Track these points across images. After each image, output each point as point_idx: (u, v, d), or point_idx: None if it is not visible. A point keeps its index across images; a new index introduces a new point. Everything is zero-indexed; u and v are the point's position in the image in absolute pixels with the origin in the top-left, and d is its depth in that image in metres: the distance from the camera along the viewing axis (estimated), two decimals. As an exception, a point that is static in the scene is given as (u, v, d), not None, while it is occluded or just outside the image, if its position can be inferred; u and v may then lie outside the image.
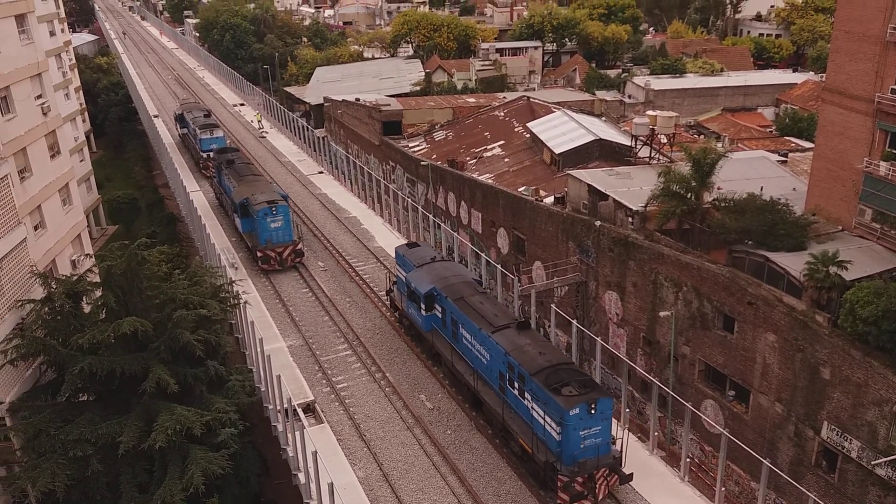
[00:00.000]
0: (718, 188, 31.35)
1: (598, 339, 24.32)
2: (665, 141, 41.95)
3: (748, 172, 35.66)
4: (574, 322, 28.61)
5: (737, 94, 66.04)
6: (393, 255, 31.59)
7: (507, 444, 22.26)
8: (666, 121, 40.46)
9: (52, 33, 59.94)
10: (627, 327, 33.45)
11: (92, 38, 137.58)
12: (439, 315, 25.86)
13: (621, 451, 20.44)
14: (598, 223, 33.88)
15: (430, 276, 26.43)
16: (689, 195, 30.59)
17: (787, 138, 53.21)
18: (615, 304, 33.82)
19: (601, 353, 24.52)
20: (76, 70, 78.80)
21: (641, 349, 32.79)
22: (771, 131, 57.20)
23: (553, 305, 27.45)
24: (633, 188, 34.75)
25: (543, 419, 19.88)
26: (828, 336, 23.91)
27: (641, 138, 41.45)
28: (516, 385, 21.12)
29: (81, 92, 79.54)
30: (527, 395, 20.60)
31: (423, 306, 26.23)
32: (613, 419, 20.44)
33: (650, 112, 43.09)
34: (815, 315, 24.54)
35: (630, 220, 33.22)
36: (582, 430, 19.26)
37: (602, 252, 33.94)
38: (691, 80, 68.67)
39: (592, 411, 19.20)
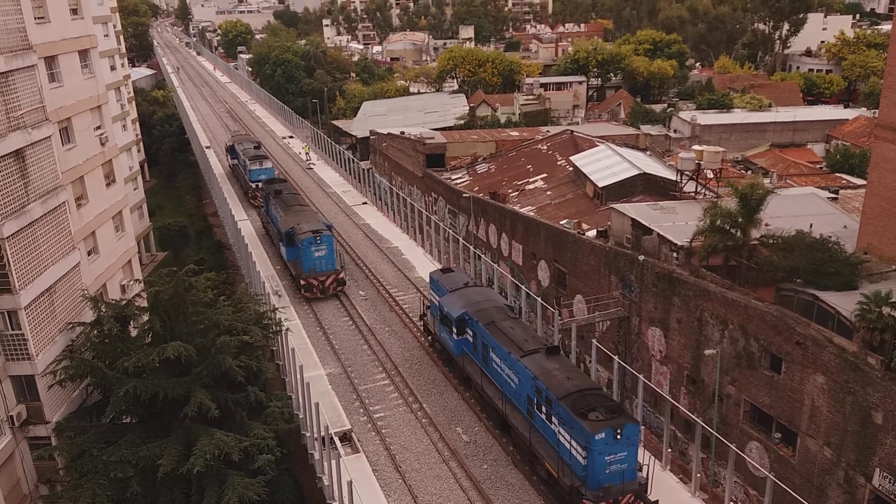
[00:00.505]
0: (766, 224, 30.71)
1: (641, 376, 23.85)
2: (711, 176, 41.40)
3: (797, 209, 34.86)
4: (616, 358, 28.08)
5: (786, 129, 64.97)
6: (433, 285, 31.69)
7: (533, 469, 22.37)
8: (712, 156, 39.99)
9: (112, 67, 62.64)
10: (671, 365, 32.72)
11: (150, 72, 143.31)
12: (470, 339, 26.18)
13: (647, 478, 20.30)
14: (641, 257, 33.44)
15: (463, 301, 26.83)
16: (735, 231, 30.03)
17: (838, 175, 52.00)
18: (658, 340, 33.18)
19: (643, 391, 24.02)
20: (134, 102, 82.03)
21: (685, 388, 31.99)
22: (821, 168, 55.99)
23: (594, 340, 27.06)
24: (678, 223, 34.28)
25: (570, 443, 19.98)
26: (881, 379, 22.99)
27: (687, 173, 40.99)
28: (544, 409, 21.24)
29: (138, 123, 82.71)
30: (554, 419, 20.72)
31: (454, 330, 26.61)
32: (641, 446, 20.33)
33: (696, 147, 42.65)
34: (867, 357, 23.66)
35: (675, 255, 32.72)
36: (608, 455, 19.31)
37: (645, 287, 33.42)
38: (739, 116, 67.86)
39: (618, 437, 19.26)
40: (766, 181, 40.05)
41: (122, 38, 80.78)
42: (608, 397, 21.28)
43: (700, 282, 30.25)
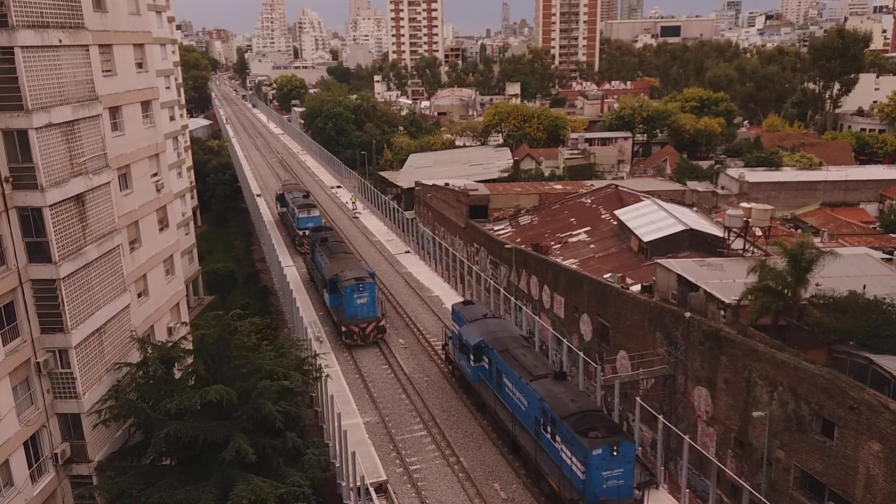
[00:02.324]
0: (817, 284, 29.92)
1: (686, 437, 23.14)
2: (760, 234, 40.68)
3: (849, 269, 33.91)
4: (660, 417, 27.32)
5: (837, 188, 63.69)
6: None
7: (538, 485, 23.92)
8: (761, 213, 39.37)
9: (171, 118, 65.42)
10: (717, 426, 31.65)
11: (206, 122, 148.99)
12: (486, 366, 27.99)
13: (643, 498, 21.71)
14: (687, 314, 32.78)
15: (480, 330, 28.75)
16: (785, 291, 29.32)
17: (893, 235, 50.51)
18: (705, 400, 32.20)
19: (689, 453, 23.26)
20: (190, 151, 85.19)
21: (732, 450, 30.83)
22: (874, 228, 54.51)
23: (638, 398, 26.42)
24: (725, 280, 33.63)
25: (570, 460, 21.50)
26: (943, 449, 21.81)
27: (735, 230, 40.38)
28: (549, 429, 22.77)
29: (193, 171, 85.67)
30: (557, 437, 22.23)
31: (472, 357, 28.53)
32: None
33: (744, 204, 42.08)
34: (927, 425, 22.53)
35: (722, 313, 32.00)
36: (604, 470, 20.77)
37: (692, 345, 32.65)
38: (788, 174, 66.89)
39: (615, 453, 20.77)
40: (817, 240, 39.17)
41: (182, 90, 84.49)
42: (608, 418, 22.85)
43: (748, 341, 29.45)
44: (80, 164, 25.84)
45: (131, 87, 31.41)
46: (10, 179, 23.57)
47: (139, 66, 32.47)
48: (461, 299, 41.63)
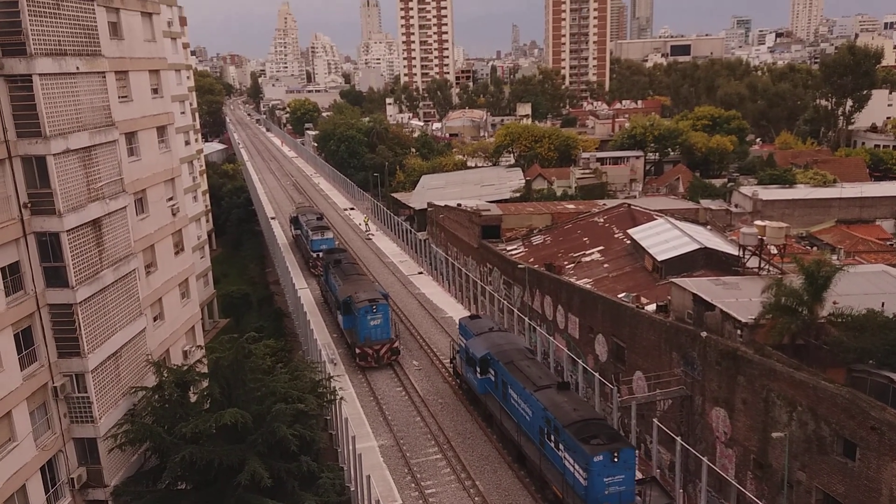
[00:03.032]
0: (834, 303, 29.57)
1: (704, 458, 22.83)
2: (775, 252, 40.35)
3: (867, 287, 33.50)
4: (678, 439, 27.01)
5: (852, 205, 63.16)
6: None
7: (542, 492, 24.57)
8: (776, 231, 39.06)
9: (187, 142, 66.23)
10: (736, 448, 31.18)
11: (221, 146, 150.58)
12: (492, 378, 28.70)
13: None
14: (704, 334, 32.47)
15: (486, 343, 29.53)
16: (801, 309, 28.99)
17: (912, 252, 49.95)
18: (723, 421, 31.78)
19: (707, 475, 22.92)
20: (205, 175, 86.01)
21: (752, 472, 30.34)
22: (891, 244, 53.93)
23: (655, 420, 26.14)
24: (741, 299, 33.31)
25: (573, 466, 22.10)
26: (969, 470, 21.35)
27: (750, 248, 40.09)
28: (552, 437, 23.40)
29: (208, 195, 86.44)
30: (560, 445, 22.87)
31: (478, 369, 29.21)
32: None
33: (759, 222, 41.81)
34: (952, 446, 22.08)
35: (739, 332, 31.67)
36: (606, 476, 21.33)
37: (708, 365, 32.30)
38: (802, 191, 66.49)
39: (615, 459, 21.37)
40: (833, 258, 38.81)
41: (197, 115, 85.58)
42: (610, 426, 23.54)
43: (766, 361, 29.09)
44: (96, 189, 26.16)
45: (147, 112, 31.86)
46: (29, 205, 23.89)
47: (155, 91, 32.95)
48: (473, 318, 41.63)
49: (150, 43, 32.46)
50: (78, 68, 25.19)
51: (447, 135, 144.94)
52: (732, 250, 42.56)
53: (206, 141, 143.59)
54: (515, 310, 39.20)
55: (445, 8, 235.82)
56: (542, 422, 24.01)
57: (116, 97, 28.71)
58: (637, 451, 23.36)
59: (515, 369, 27.01)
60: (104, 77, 27.07)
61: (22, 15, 22.70)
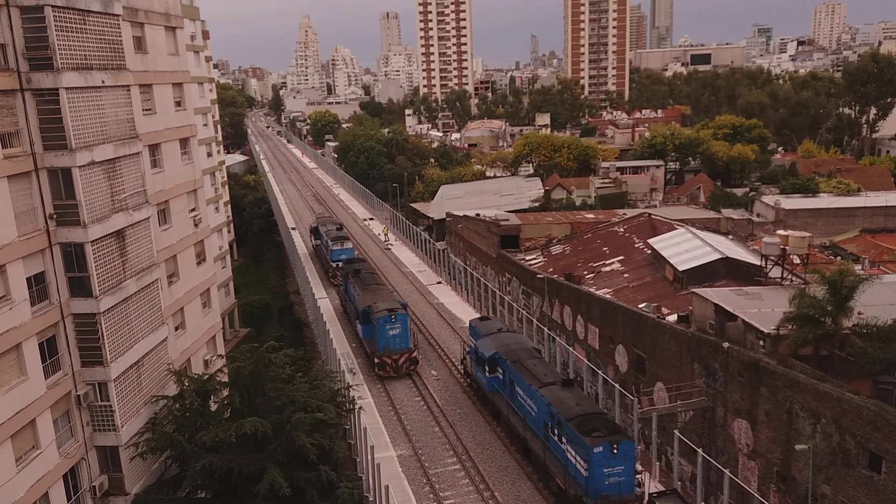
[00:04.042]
0: (859, 313, 29.13)
1: (727, 471, 22.55)
2: (798, 262, 39.88)
3: (892, 297, 32.98)
4: (699, 451, 26.70)
5: (877, 214, 62.18)
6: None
7: (546, 484, 25.52)
8: (798, 241, 38.64)
9: (209, 154, 67.03)
10: (759, 460, 30.74)
11: (243, 158, 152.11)
12: (500, 376, 29.73)
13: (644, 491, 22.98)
14: (726, 345, 32.14)
15: (495, 343, 30.63)
16: (825, 320, 28.59)
17: (939, 261, 49.04)
18: (745, 433, 31.37)
19: (730, 487, 22.63)
20: (227, 186, 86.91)
21: (775, 485, 29.88)
22: (919, 254, 52.95)
23: (676, 431, 25.88)
24: (763, 309, 32.94)
25: (575, 458, 23.05)
26: None
27: (772, 258, 39.66)
28: (556, 431, 24.36)
29: (229, 206, 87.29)
30: (563, 438, 23.79)
31: (487, 368, 30.33)
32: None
33: (781, 231, 41.37)
34: (982, 459, 21.60)
35: (761, 342, 31.30)
36: (606, 467, 22.25)
37: (731, 376, 31.93)
38: (825, 200, 65.65)
39: (615, 451, 22.25)
40: (858, 268, 38.26)
41: (219, 127, 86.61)
42: (611, 420, 24.48)
43: (789, 372, 28.72)
44: (120, 200, 26.57)
45: (170, 125, 32.33)
46: (55, 216, 24.31)
47: (178, 104, 33.44)
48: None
49: (173, 56, 32.98)
50: (103, 82, 25.66)
51: (466, 145, 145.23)
52: (754, 260, 42.13)
53: (229, 152, 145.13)
54: (535, 320, 39.07)
55: (464, 20, 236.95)
56: (547, 416, 24.95)
57: (140, 110, 29.17)
58: (637, 445, 24.42)
59: (522, 367, 28.04)
60: (129, 90, 27.54)
61: (49, 30, 23.20)
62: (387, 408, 32.98)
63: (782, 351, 30.07)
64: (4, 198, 22.39)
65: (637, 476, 23.47)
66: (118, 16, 26.84)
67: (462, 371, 35.29)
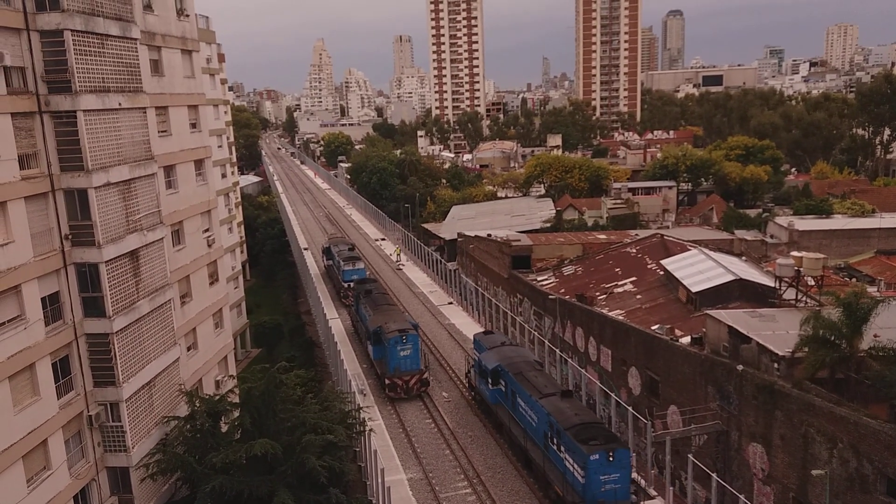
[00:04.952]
0: (875, 336, 28.77)
1: (741, 496, 22.20)
2: (812, 283, 39.52)
3: (910, 319, 32.50)
4: (714, 476, 26.33)
5: (892, 236, 61.64)
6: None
7: (546, 493, 26.14)
8: (813, 262, 38.32)
9: (223, 175, 67.63)
10: (774, 485, 30.25)
11: (256, 179, 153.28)
12: (503, 388, 30.57)
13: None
14: (740, 367, 31.80)
15: (498, 356, 31.49)
16: (840, 343, 28.25)
17: (957, 283, 48.44)
18: (760, 457, 30.92)
19: (744, 513, 22.23)
20: (240, 207, 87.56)
21: (792, 512, 29.34)
22: (936, 275, 52.34)
23: (690, 455, 25.56)
24: (778, 332, 32.59)
25: (573, 466, 23.75)
26: None
27: (786, 280, 39.33)
28: (555, 440, 25.07)
29: (243, 226, 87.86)
30: (562, 447, 24.51)
31: (490, 380, 31.12)
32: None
33: (795, 253, 41.05)
34: None
35: (776, 365, 30.94)
36: (602, 474, 22.97)
37: (745, 399, 31.55)
38: (840, 221, 65.19)
39: (611, 458, 23.02)
40: (873, 290, 37.85)
41: (233, 148, 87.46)
42: (608, 430, 25.31)
43: (804, 395, 28.33)
44: (135, 220, 26.81)
45: (185, 146, 32.69)
46: (70, 236, 24.56)
47: (193, 126, 33.82)
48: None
49: (189, 79, 33.45)
50: (120, 104, 26.03)
51: (478, 166, 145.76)
52: (768, 282, 41.80)
53: (243, 173, 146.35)
54: (546, 341, 38.87)
55: (476, 42, 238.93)
56: (546, 426, 25.70)
57: (156, 131, 29.53)
58: (651, 469, 25.16)
59: (524, 379, 28.85)
60: (145, 112, 27.91)
61: (68, 54, 23.61)
62: (397, 430, 32.80)
63: (798, 374, 29.70)
64: (21, 218, 22.66)
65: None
66: (136, 40, 27.29)
67: (467, 384, 36.08)
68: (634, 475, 26.83)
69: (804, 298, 39.06)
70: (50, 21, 23.30)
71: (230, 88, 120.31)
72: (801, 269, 38.29)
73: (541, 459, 26.30)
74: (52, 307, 24.05)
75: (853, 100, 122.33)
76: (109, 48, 25.63)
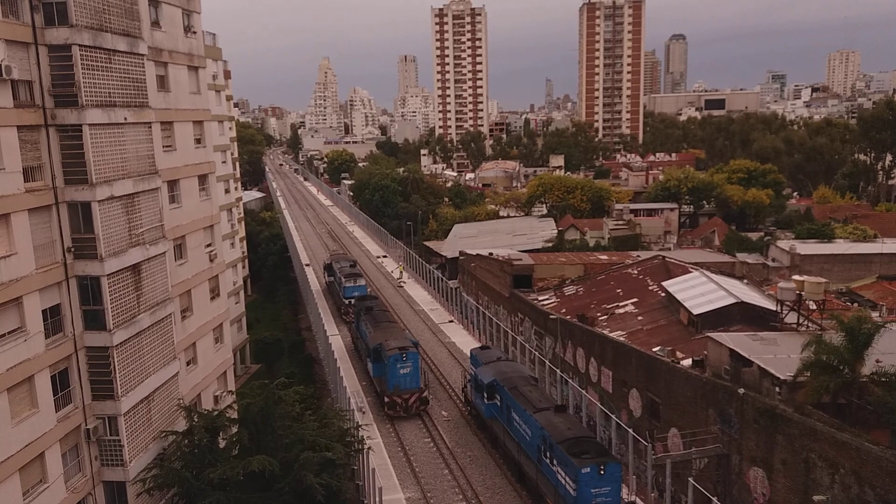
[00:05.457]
0: (877, 361, 28.66)
1: (741, 520, 21.94)
2: (814, 307, 39.45)
3: (912, 345, 32.39)
4: (714, 500, 26.11)
5: (894, 261, 61.61)
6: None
7: None
8: (814, 286, 38.29)
9: (227, 190, 67.85)
10: (776, 511, 29.95)
11: (259, 195, 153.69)
12: (498, 403, 30.82)
13: None
14: (741, 391, 31.64)
15: (493, 371, 31.83)
16: (842, 368, 28.14)
17: (959, 309, 48.35)
18: (761, 482, 30.66)
19: (744, 538, 22.00)
20: (243, 222, 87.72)
21: (793, 538, 29.03)
22: (938, 301, 52.25)
23: (691, 479, 25.35)
24: (779, 355, 32.48)
25: (565, 479, 24.07)
26: None
27: (788, 303, 39.27)
28: (548, 454, 25.36)
29: (245, 241, 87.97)
30: (554, 460, 24.84)
31: (485, 395, 31.51)
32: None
33: (797, 277, 41.03)
34: None
35: (777, 389, 30.79)
36: (593, 487, 23.28)
37: (746, 423, 31.36)
38: (842, 246, 65.21)
39: (602, 472, 23.39)
40: (875, 315, 37.77)
41: (237, 164, 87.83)
42: (599, 444, 25.76)
43: (806, 420, 28.16)
44: (138, 234, 26.87)
45: (189, 161, 32.84)
46: (72, 249, 24.61)
47: (198, 141, 33.99)
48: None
49: (195, 95, 33.67)
50: (126, 119, 26.20)
51: (480, 185, 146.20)
52: (770, 305, 41.72)
53: (246, 189, 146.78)
54: (547, 361, 38.72)
55: (480, 63, 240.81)
56: (540, 440, 26.03)
57: (161, 146, 29.67)
58: (652, 492, 25.75)
59: (518, 394, 29.15)
60: (150, 127, 28.09)
61: (76, 68, 23.81)
62: (396, 448, 32.60)
63: (799, 398, 29.56)
64: (24, 230, 22.72)
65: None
66: (143, 55, 27.54)
67: (463, 399, 36.43)
68: (634, 498, 26.68)
69: (806, 322, 38.99)
70: (58, 36, 23.53)
71: (235, 105, 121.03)
72: (803, 292, 38.25)
73: (534, 473, 26.65)
74: (53, 319, 24.03)
75: (855, 125, 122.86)
76: (116, 63, 25.85)
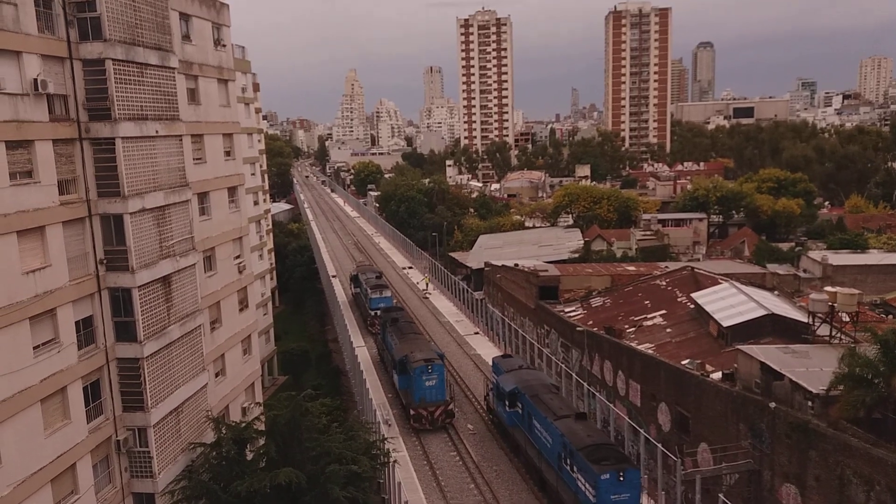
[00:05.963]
0: (915, 374, 27.91)
1: (774, 539, 21.45)
2: (847, 319, 38.62)
3: (952, 359, 31.50)
4: (745, 516, 25.63)
5: (931, 272, 60.15)
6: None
7: None
8: (847, 298, 37.51)
9: (255, 202, 68.64)
10: (810, 529, 29.25)
11: (288, 206, 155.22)
12: (520, 411, 31.10)
13: None
14: (772, 405, 31.04)
15: (515, 379, 32.15)
16: (877, 381, 27.47)
17: None
18: (794, 499, 29.99)
19: (778, 557, 21.51)
20: (271, 234, 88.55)
21: (829, 557, 28.32)
22: (977, 313, 50.82)
23: (721, 495, 24.90)
24: (811, 368, 31.83)
25: (584, 485, 24.29)
26: None
27: (820, 315, 38.50)
28: (568, 461, 25.59)
29: (273, 253, 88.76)
30: (574, 467, 25.06)
31: (507, 403, 31.86)
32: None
33: (829, 288, 40.25)
34: None
35: (810, 403, 30.15)
36: (612, 494, 23.51)
37: (778, 438, 30.74)
38: (875, 256, 63.82)
39: (621, 478, 23.59)
40: (913, 327, 36.78)
41: (266, 176, 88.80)
42: (619, 451, 25.88)
43: (840, 435, 27.53)
44: (168, 246, 27.23)
45: (219, 173, 33.27)
46: (105, 261, 25.01)
47: (227, 154, 34.44)
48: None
49: (224, 108, 34.16)
50: (157, 132, 26.63)
51: (505, 195, 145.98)
52: (801, 317, 40.96)
53: (274, 201, 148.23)
54: (574, 374, 38.39)
55: (506, 73, 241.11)
56: (560, 447, 26.31)
57: (191, 159, 30.10)
58: (651, 481, 26.17)
59: (540, 402, 29.49)
60: (181, 140, 28.51)
61: (109, 82, 24.27)
62: (421, 462, 32.49)
63: (833, 413, 28.90)
64: (59, 243, 23.15)
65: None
66: (174, 69, 28.01)
67: (485, 407, 36.79)
68: None
69: (839, 335, 38.17)
70: (92, 50, 24.03)
71: (264, 117, 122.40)
72: (836, 304, 37.49)
73: (554, 480, 26.95)
74: (86, 331, 24.41)
75: (888, 133, 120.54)
76: (148, 77, 26.32)
